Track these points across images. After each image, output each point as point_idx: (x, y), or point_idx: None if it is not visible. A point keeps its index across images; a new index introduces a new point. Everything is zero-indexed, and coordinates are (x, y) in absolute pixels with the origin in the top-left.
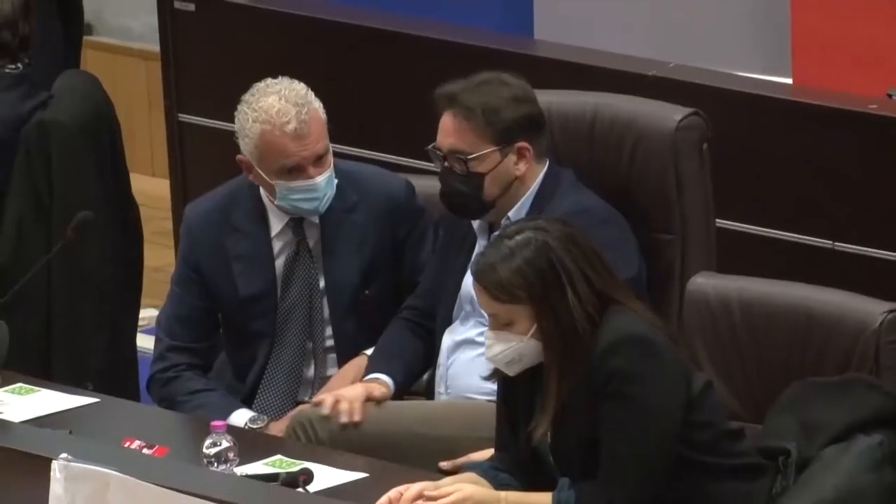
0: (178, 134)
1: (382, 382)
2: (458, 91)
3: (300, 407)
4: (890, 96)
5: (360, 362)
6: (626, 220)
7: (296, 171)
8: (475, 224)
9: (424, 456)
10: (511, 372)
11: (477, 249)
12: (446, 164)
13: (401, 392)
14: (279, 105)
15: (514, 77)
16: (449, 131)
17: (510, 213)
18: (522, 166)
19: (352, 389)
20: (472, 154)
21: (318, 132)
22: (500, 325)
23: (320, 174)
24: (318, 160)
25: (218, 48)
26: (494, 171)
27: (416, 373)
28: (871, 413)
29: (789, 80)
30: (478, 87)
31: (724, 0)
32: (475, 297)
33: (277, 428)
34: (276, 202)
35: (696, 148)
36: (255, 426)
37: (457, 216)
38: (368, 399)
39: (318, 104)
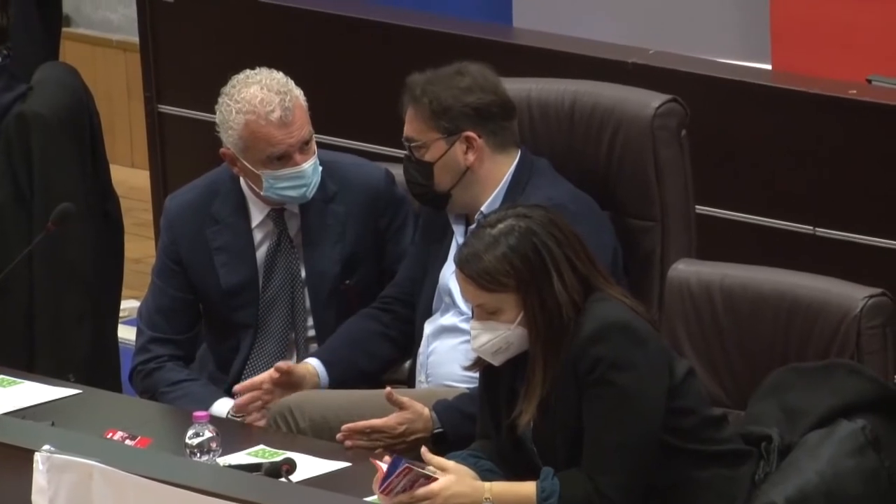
0: (158, 125)
1: (308, 366)
2: (415, 82)
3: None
4: (869, 81)
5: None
6: (604, 208)
7: (282, 159)
8: (451, 217)
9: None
10: (497, 361)
11: (454, 243)
12: (407, 152)
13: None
14: (262, 94)
15: (479, 67)
16: (405, 120)
17: (483, 207)
18: (471, 156)
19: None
20: (419, 141)
21: (302, 119)
22: (486, 314)
23: (306, 161)
24: (304, 146)
25: (197, 39)
26: (442, 160)
27: (362, 368)
28: (853, 398)
29: (769, 66)
30: (434, 78)
31: None
32: (453, 289)
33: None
34: (262, 192)
35: (674, 134)
36: (238, 416)
37: (423, 206)
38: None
39: (298, 91)
